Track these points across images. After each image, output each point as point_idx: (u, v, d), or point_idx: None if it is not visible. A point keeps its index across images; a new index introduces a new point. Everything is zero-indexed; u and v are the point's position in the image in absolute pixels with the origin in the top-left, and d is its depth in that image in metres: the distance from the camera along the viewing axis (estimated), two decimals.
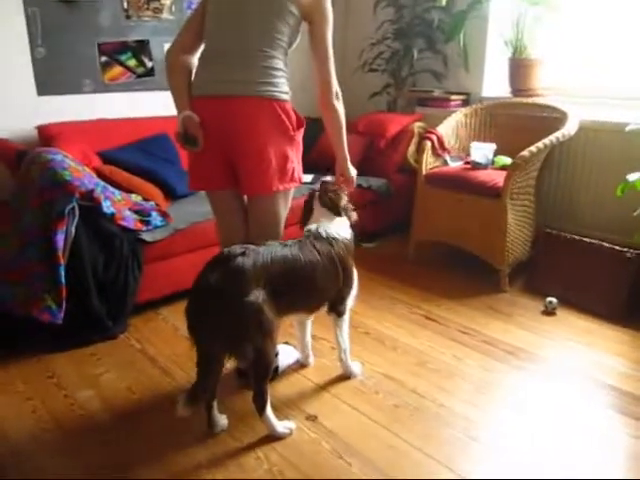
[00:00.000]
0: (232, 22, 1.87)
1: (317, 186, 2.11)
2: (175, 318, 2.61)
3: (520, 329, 2.54)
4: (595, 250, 2.73)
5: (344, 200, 2.08)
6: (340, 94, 1.98)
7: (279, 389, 2.08)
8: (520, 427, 1.88)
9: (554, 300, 2.69)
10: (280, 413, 1.90)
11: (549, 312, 2.68)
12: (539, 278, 2.91)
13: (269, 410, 1.80)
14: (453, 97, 3.66)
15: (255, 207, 2.02)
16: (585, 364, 2.26)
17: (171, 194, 2.96)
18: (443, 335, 2.49)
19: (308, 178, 3.37)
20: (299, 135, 1.97)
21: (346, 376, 2.16)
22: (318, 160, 3.63)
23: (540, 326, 2.57)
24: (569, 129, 2.89)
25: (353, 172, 2.17)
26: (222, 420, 1.88)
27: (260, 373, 1.76)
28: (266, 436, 1.82)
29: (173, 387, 2.09)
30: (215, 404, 1.84)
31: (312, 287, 1.88)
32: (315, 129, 3.86)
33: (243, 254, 1.70)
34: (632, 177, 2.42)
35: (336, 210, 2.03)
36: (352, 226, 2.09)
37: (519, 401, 2.02)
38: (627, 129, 2.66)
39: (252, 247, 1.76)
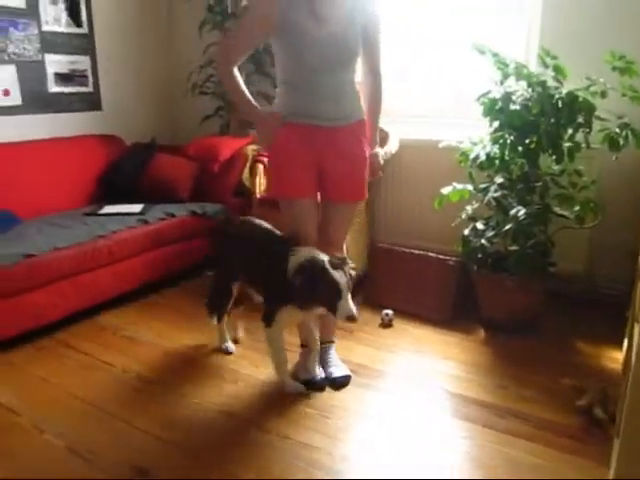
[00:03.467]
0: None
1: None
2: None
3: (360, 345, 2.58)
4: (422, 260, 2.89)
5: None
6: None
7: None
8: (366, 446, 1.87)
9: (390, 312, 2.78)
10: None
11: (386, 324, 2.76)
12: (375, 291, 3.00)
13: None
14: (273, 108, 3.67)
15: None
16: (421, 372, 2.34)
17: None
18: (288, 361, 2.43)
19: (137, 208, 3.15)
20: None
21: None
22: (149, 189, 3.44)
23: (378, 339, 2.63)
24: (391, 147, 3.04)
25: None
26: None
27: None
28: None
29: None
30: None
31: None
32: (144, 155, 3.68)
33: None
34: (445, 190, 2.59)
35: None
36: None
37: (363, 420, 2.02)
38: (440, 145, 2.85)
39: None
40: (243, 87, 2.06)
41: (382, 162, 2.28)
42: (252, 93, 3.82)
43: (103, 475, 1.71)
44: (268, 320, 2.10)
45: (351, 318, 1.89)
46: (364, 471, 1.75)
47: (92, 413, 2.05)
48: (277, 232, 2.20)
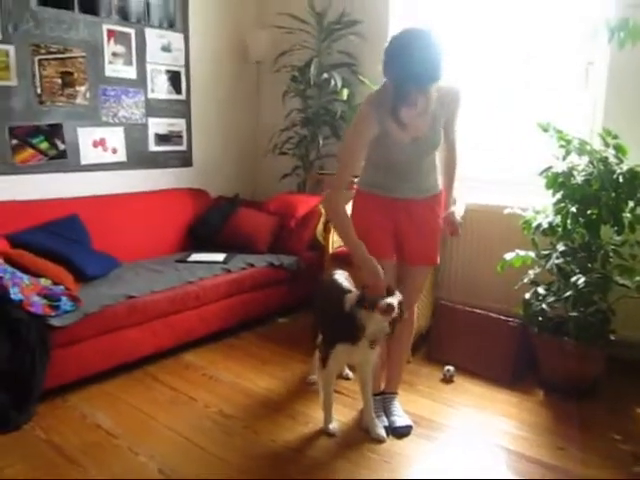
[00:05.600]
0: None
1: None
2: (83, 405, 2.56)
3: (422, 398, 2.72)
4: (485, 320, 3.02)
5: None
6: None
7: None
8: None
9: (451, 368, 2.91)
10: None
11: (447, 380, 2.89)
12: (438, 348, 3.15)
13: None
14: (357, 180, 3.95)
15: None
16: (479, 427, 2.46)
17: (81, 276, 2.95)
18: (352, 408, 2.61)
19: (220, 257, 3.48)
20: None
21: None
22: (230, 239, 3.77)
23: (439, 394, 2.76)
24: (458, 212, 3.22)
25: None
26: None
27: None
28: None
29: (82, 476, 2.06)
30: None
31: None
32: (227, 208, 4.05)
33: None
34: (508, 256, 2.75)
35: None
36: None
37: (421, 468, 2.17)
38: (505, 212, 3.02)
39: None
40: (352, 229, 2.13)
41: (459, 220, 2.43)
42: (328, 155, 4.20)
43: None
44: (323, 362, 2.32)
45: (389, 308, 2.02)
46: None
47: (179, 442, 2.30)
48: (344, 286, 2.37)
